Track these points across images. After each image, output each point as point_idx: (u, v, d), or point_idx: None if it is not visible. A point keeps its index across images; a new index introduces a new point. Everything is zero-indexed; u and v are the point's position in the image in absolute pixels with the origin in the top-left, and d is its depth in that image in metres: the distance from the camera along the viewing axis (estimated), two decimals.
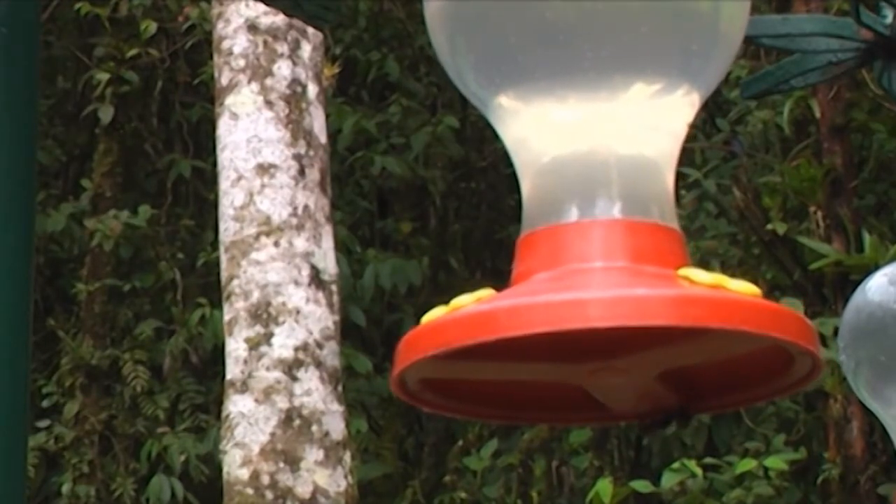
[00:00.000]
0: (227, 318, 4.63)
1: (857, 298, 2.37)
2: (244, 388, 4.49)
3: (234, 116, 4.82)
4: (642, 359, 0.72)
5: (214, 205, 5.01)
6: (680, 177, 0.76)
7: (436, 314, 0.70)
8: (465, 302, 0.70)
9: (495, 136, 0.77)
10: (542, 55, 0.74)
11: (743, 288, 0.68)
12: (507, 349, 0.69)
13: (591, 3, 0.74)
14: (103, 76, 7.23)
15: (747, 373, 0.74)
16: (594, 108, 0.74)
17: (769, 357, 0.72)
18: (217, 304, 5.37)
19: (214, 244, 5.76)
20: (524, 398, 0.78)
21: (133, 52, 7.28)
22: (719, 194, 6.67)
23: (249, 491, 4.47)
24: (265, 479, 4.48)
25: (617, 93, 0.74)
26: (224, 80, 4.88)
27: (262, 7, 4.77)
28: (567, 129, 0.75)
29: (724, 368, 0.74)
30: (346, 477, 4.57)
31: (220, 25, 4.96)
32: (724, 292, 0.68)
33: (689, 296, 0.68)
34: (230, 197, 4.76)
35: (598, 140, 0.74)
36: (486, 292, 0.71)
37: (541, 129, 0.75)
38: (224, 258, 4.74)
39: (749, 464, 5.56)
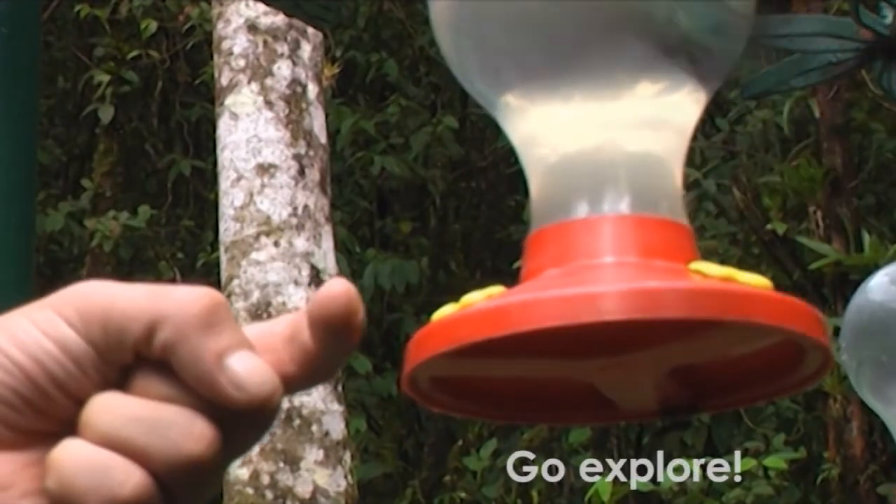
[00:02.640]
0: None
1: (858, 298, 2.38)
2: None
3: (234, 116, 4.82)
4: (652, 355, 0.72)
5: (214, 205, 5.02)
6: None
7: (446, 311, 0.70)
8: (476, 299, 0.70)
9: (496, 136, 0.77)
10: (548, 53, 0.74)
11: (754, 280, 0.69)
12: (518, 345, 0.69)
13: (597, 1, 0.74)
14: (103, 76, 7.24)
15: (756, 370, 0.74)
16: (600, 105, 0.75)
17: (777, 354, 0.72)
18: None
19: (214, 244, 5.77)
20: (532, 397, 0.78)
21: (133, 52, 7.29)
22: (719, 194, 6.67)
23: (249, 491, 4.47)
24: (265, 479, 4.48)
25: (623, 90, 0.75)
26: (224, 80, 4.89)
27: (262, 7, 4.77)
28: (574, 127, 0.75)
29: (732, 366, 0.75)
30: (346, 477, 4.57)
31: (220, 25, 4.96)
32: (736, 285, 0.68)
33: (701, 288, 0.68)
34: (230, 197, 4.76)
35: (605, 138, 0.75)
36: (496, 289, 0.71)
37: (548, 128, 0.76)
38: (224, 258, 4.74)
39: (749, 463, 5.56)
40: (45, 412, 0.66)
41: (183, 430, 0.65)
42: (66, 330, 0.66)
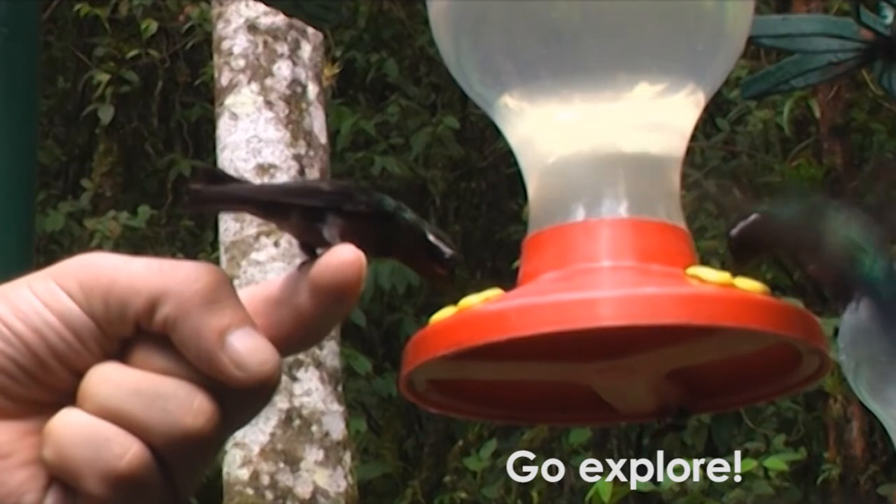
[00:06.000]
0: None
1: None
2: None
3: (234, 116, 4.82)
4: (651, 358, 0.72)
5: None
6: (680, 177, 0.76)
7: (444, 314, 0.70)
8: (473, 302, 0.70)
9: (496, 136, 0.77)
10: (547, 54, 0.74)
11: (751, 286, 0.68)
12: (516, 349, 0.69)
13: (597, 2, 0.74)
14: (103, 76, 7.23)
15: (755, 371, 0.74)
16: (599, 107, 0.75)
17: (777, 355, 0.72)
18: None
19: (214, 244, 5.77)
20: (529, 398, 0.78)
21: (133, 52, 7.28)
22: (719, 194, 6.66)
23: (249, 491, 4.47)
24: (265, 479, 4.48)
25: (622, 92, 0.75)
26: (224, 81, 4.88)
27: (262, 7, 4.77)
28: (572, 128, 0.75)
29: (731, 367, 0.74)
30: (346, 477, 4.57)
31: (220, 25, 4.96)
32: (733, 290, 0.68)
33: (699, 294, 0.68)
34: None
35: (603, 140, 0.75)
36: (493, 292, 0.71)
37: (546, 129, 0.76)
38: (224, 258, 4.74)
39: (749, 464, 5.56)
40: (45, 383, 0.66)
41: (182, 403, 0.64)
42: (67, 302, 0.65)
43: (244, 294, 0.68)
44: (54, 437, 0.65)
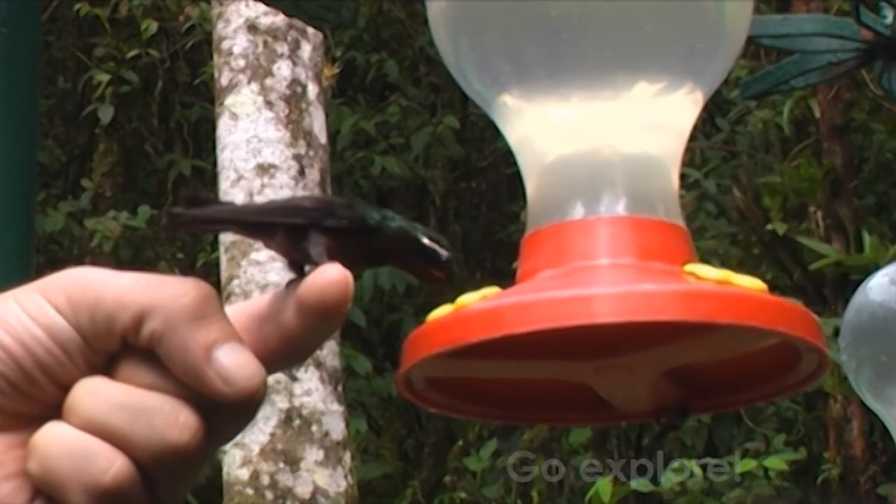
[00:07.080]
0: None
1: (858, 299, 2.37)
2: None
3: (234, 116, 4.82)
4: (649, 356, 0.72)
5: None
6: (680, 177, 0.76)
7: (441, 312, 0.70)
8: (471, 300, 0.70)
9: (496, 136, 0.77)
10: (545, 54, 0.74)
11: (750, 283, 0.68)
12: (513, 347, 0.69)
13: (595, 1, 0.74)
14: (103, 76, 7.23)
15: (753, 371, 0.74)
16: (598, 106, 0.75)
17: (774, 355, 0.72)
18: None
19: (214, 244, 5.77)
20: (528, 398, 0.78)
21: (133, 52, 7.28)
22: (719, 194, 6.67)
23: (249, 491, 4.47)
24: (265, 479, 4.48)
25: (620, 91, 0.75)
26: (224, 80, 4.88)
27: (262, 7, 4.77)
28: (571, 127, 0.75)
29: (729, 367, 0.74)
30: (346, 477, 4.57)
31: (220, 25, 4.96)
32: (731, 288, 0.68)
33: (696, 291, 0.68)
34: (230, 197, 4.76)
35: (602, 138, 0.74)
36: (491, 290, 0.71)
37: (544, 128, 0.76)
38: (224, 258, 4.74)
39: (749, 464, 5.56)
40: (31, 396, 0.66)
41: (167, 418, 0.64)
42: (54, 316, 0.65)
43: (232, 310, 0.68)
44: (39, 451, 0.65)
